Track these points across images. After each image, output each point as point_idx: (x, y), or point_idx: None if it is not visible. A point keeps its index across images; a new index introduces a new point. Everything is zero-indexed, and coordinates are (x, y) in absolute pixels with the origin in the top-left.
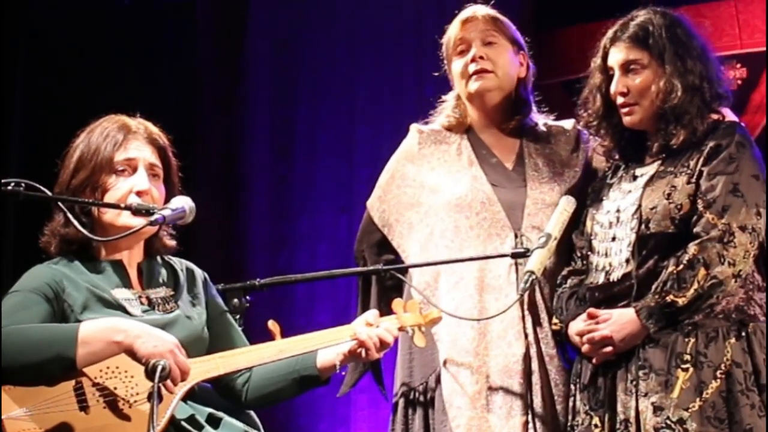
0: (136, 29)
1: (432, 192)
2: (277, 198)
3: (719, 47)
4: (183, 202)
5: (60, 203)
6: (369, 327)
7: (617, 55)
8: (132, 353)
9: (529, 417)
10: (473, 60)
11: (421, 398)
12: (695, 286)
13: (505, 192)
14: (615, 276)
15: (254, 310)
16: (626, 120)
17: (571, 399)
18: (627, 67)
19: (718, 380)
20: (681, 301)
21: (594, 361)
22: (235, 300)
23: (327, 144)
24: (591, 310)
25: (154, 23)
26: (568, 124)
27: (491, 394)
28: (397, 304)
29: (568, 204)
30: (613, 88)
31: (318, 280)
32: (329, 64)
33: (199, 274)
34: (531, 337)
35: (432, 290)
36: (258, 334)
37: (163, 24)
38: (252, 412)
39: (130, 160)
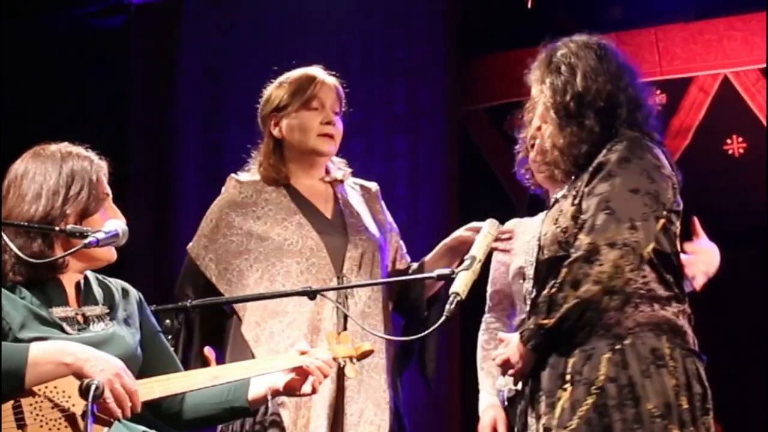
0: (69, 55)
1: (260, 239)
2: None
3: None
4: (116, 225)
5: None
6: (303, 356)
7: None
8: (80, 375)
9: None
10: (329, 122)
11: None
12: (565, 307)
13: (330, 239)
14: (528, 302)
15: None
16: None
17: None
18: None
19: (593, 396)
20: (547, 323)
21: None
22: (168, 321)
23: None
24: (500, 334)
25: (86, 49)
26: (372, 185)
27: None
28: (330, 335)
29: (491, 227)
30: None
31: (247, 302)
32: (257, 92)
33: (134, 294)
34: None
35: (260, 330)
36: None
37: (95, 50)
38: None
39: (107, 194)
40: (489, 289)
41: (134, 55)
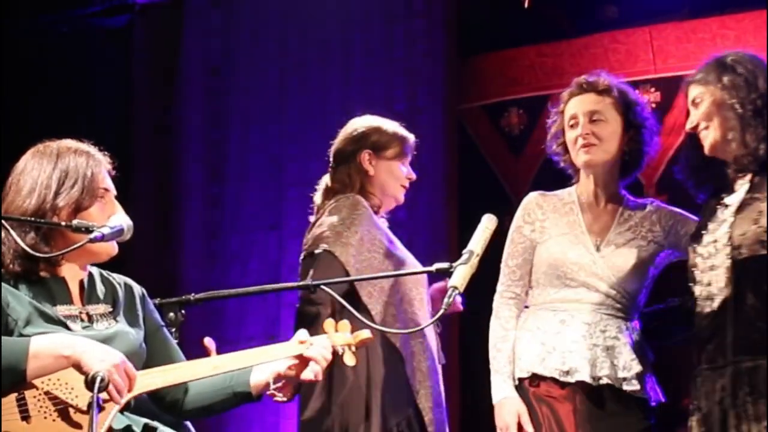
0: (73, 54)
1: (396, 265)
2: (209, 217)
3: (634, 72)
4: (121, 221)
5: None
6: (302, 345)
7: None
8: (80, 367)
9: None
10: (411, 179)
11: None
12: None
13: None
14: (717, 303)
15: (188, 324)
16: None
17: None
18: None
19: None
20: None
21: None
22: (171, 314)
23: (257, 165)
24: None
25: (90, 48)
26: None
27: None
28: (328, 324)
29: (489, 222)
30: (691, 124)
31: (249, 295)
32: (259, 90)
33: (137, 290)
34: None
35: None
36: (192, 347)
37: (100, 49)
38: (188, 423)
39: (107, 190)
40: (509, 262)
41: (138, 54)
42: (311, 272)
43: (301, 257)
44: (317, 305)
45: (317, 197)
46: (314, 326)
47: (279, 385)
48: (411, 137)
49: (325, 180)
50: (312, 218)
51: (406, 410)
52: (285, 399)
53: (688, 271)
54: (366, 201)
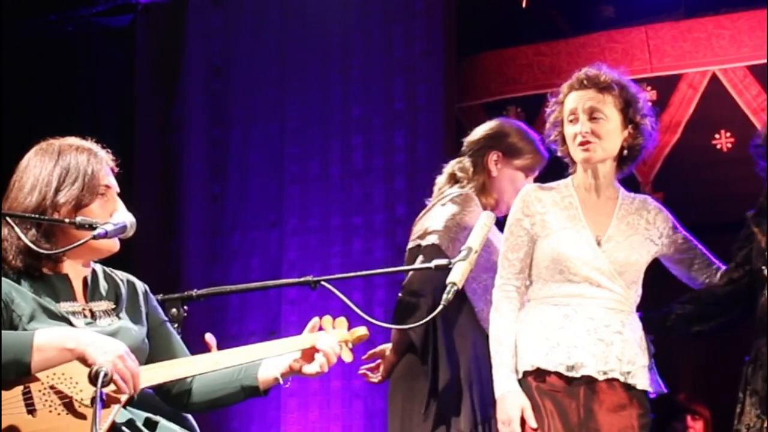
0: (78, 53)
1: None
2: (211, 214)
3: (630, 71)
4: (124, 218)
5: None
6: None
7: None
8: (83, 359)
9: None
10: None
11: None
12: None
13: None
14: None
15: (191, 319)
16: None
17: (739, 405)
18: None
19: None
20: None
21: None
22: (174, 310)
23: (258, 163)
24: None
25: (94, 48)
26: None
27: None
28: (326, 321)
29: (488, 219)
30: None
31: (250, 291)
32: (260, 89)
33: (140, 286)
34: None
35: None
36: (194, 342)
37: (104, 48)
38: (190, 417)
39: (108, 187)
40: (509, 255)
41: (141, 53)
42: (418, 262)
43: (410, 245)
44: (419, 297)
45: (441, 179)
46: (414, 316)
47: (373, 365)
48: (545, 157)
49: (452, 165)
50: (428, 201)
51: (489, 409)
52: (377, 380)
53: (755, 253)
54: (482, 199)
